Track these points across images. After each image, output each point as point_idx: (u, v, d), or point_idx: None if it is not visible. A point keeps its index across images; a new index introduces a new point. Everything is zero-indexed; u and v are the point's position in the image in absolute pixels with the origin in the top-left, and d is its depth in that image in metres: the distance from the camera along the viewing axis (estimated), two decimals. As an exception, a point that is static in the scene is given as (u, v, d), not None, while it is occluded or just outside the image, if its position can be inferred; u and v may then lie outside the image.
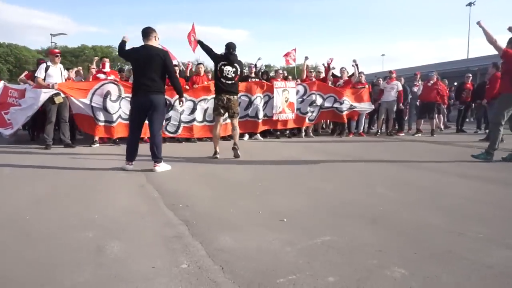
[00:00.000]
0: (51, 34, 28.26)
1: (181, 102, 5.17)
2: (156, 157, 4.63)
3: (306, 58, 9.85)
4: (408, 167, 5.10)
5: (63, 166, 5.08)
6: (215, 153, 5.76)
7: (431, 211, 2.93)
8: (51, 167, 4.98)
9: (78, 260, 2.00)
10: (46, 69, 6.83)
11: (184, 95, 7.82)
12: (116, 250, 2.14)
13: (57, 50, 7.07)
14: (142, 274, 1.84)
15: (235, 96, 5.84)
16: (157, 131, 4.70)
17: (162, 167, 4.65)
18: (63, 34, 29.19)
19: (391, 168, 5.05)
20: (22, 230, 2.49)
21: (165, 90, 4.80)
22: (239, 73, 5.77)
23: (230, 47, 5.68)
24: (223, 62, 5.60)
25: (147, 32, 4.64)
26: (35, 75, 7.03)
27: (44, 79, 6.80)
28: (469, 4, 38.02)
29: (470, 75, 11.33)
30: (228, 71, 5.61)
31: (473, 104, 11.03)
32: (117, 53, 5.31)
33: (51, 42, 28.80)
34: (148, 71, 4.53)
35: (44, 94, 6.77)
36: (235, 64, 5.67)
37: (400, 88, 9.76)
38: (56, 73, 6.92)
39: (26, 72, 9.13)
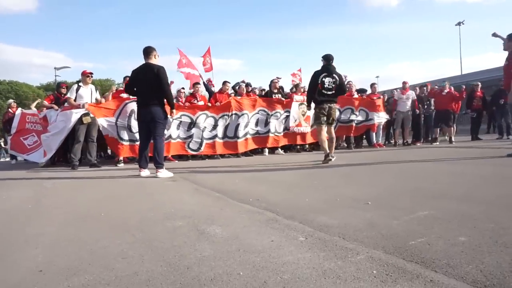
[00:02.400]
0: (55, 68, 28.64)
1: (171, 115, 5.45)
2: (158, 163, 4.92)
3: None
4: (453, 164, 5.09)
5: (102, 178, 5.06)
6: (327, 155, 5.82)
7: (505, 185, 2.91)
8: (92, 178, 4.96)
9: (187, 241, 1.93)
10: (77, 89, 6.88)
11: (206, 112, 7.97)
12: (220, 232, 2.08)
13: (88, 71, 7.12)
14: (265, 246, 1.79)
15: (335, 104, 6.04)
16: (158, 139, 5.02)
17: (164, 173, 4.88)
18: (67, 67, 29.62)
19: (435, 165, 5.04)
20: (107, 223, 2.43)
21: (164, 102, 5.07)
22: (338, 83, 5.87)
23: (329, 58, 5.88)
24: (324, 74, 5.77)
25: (148, 52, 5.04)
26: (67, 96, 7.06)
27: (75, 100, 6.83)
28: (458, 24, 39.17)
29: (479, 83, 11.51)
30: (329, 82, 5.77)
31: (493, 110, 11.14)
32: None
33: (55, 75, 29.14)
34: (147, 87, 4.94)
35: (75, 115, 6.77)
36: (334, 75, 5.82)
37: (415, 97, 9.90)
38: (86, 93, 6.95)
39: (45, 97, 9.18)
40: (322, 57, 5.97)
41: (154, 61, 5.07)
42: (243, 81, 9.45)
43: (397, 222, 2.10)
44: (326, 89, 5.78)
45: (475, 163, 5.03)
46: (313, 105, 6.05)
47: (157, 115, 4.94)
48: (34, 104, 10.07)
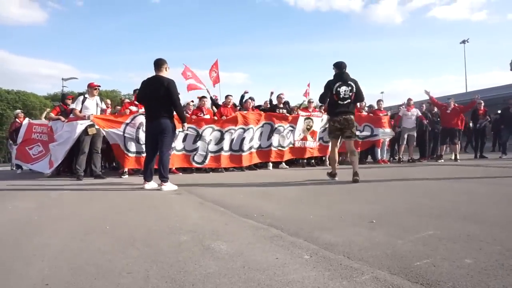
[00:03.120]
0: (62, 79, 29.03)
1: (183, 128, 5.56)
2: (163, 176, 4.93)
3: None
4: (458, 182, 5.07)
5: (107, 190, 5.09)
6: (334, 175, 5.64)
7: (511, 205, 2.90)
8: (97, 189, 4.99)
9: (192, 257, 1.94)
10: (83, 101, 6.98)
11: (212, 125, 8.02)
12: (225, 248, 2.08)
13: (96, 83, 7.23)
14: (270, 264, 1.79)
15: (352, 116, 5.52)
16: (165, 152, 5.03)
17: (168, 186, 4.91)
18: (74, 78, 30.01)
19: (440, 183, 5.02)
20: (112, 236, 2.44)
21: (173, 115, 5.10)
22: (355, 90, 5.43)
23: (342, 66, 5.47)
24: (338, 83, 5.36)
25: (159, 64, 5.07)
26: (72, 107, 7.16)
27: (81, 111, 6.92)
28: (463, 42, 39.47)
29: (482, 101, 11.54)
30: (345, 91, 5.36)
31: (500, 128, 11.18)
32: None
33: (63, 86, 29.49)
34: (156, 99, 4.94)
35: (80, 126, 6.87)
36: (349, 82, 5.39)
37: (419, 114, 9.93)
38: (92, 105, 7.05)
39: (53, 108, 9.28)
40: (334, 65, 5.55)
41: (164, 73, 5.09)
42: (246, 92, 9.61)
43: (402, 241, 2.09)
44: (342, 99, 5.35)
45: (481, 182, 5.01)
46: (325, 117, 5.89)
47: (166, 128, 4.95)
48: (44, 114, 10.20)
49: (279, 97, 9.33)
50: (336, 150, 5.72)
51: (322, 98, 5.66)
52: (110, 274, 1.71)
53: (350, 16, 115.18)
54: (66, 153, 7.12)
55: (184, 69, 9.90)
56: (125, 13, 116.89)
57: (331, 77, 5.54)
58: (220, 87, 10.00)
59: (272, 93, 9.60)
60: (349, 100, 5.41)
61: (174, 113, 5.12)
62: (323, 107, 9.58)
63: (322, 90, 5.54)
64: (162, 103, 4.95)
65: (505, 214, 2.78)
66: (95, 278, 1.66)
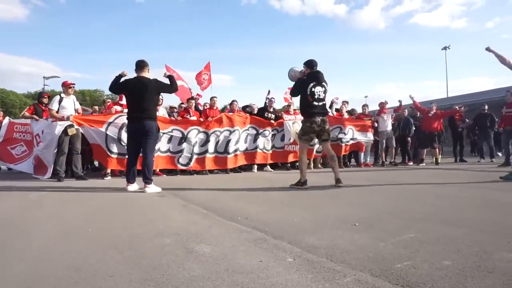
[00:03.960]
0: (44, 77, 28.38)
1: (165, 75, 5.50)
2: (147, 178, 4.90)
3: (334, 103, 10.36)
4: (439, 186, 5.18)
5: (89, 191, 5.00)
6: (305, 182, 5.14)
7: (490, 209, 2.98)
8: (78, 191, 4.91)
9: (176, 260, 1.93)
10: (60, 101, 6.84)
11: (198, 127, 7.98)
12: (209, 251, 2.08)
13: (70, 82, 7.10)
14: (254, 267, 1.80)
15: (327, 118, 5.35)
16: (149, 154, 5.00)
17: (152, 188, 4.88)
18: (56, 77, 29.44)
19: (421, 187, 5.12)
20: (94, 239, 2.40)
21: (156, 117, 5.18)
22: (327, 91, 5.28)
23: (315, 64, 5.22)
24: (313, 83, 5.11)
25: (141, 65, 5.04)
26: (49, 107, 7.02)
27: (58, 111, 6.78)
28: (444, 48, 40.33)
29: (461, 107, 11.85)
30: (319, 91, 5.14)
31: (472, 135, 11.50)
32: (108, 89, 5.33)
33: (44, 85, 28.82)
34: (142, 100, 4.91)
35: (59, 126, 6.74)
36: (323, 83, 5.21)
37: (393, 116, 10.21)
38: (69, 104, 6.93)
39: (27, 107, 9.04)
40: (305, 63, 5.27)
41: (146, 74, 5.08)
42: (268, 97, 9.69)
43: (384, 244, 2.13)
44: (317, 99, 5.12)
45: (461, 186, 5.13)
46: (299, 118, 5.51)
47: (151, 129, 4.94)
48: (22, 114, 9.93)
49: (270, 101, 9.38)
50: (305, 152, 5.52)
51: (293, 92, 5.51)
52: (92, 277, 1.69)
53: (334, 21, 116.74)
54: (55, 154, 6.94)
55: (165, 69, 9.76)
56: (108, 12, 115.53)
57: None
58: (212, 89, 9.97)
59: (269, 91, 9.69)
60: (324, 102, 5.27)
61: (157, 114, 5.09)
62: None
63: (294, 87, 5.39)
64: (148, 105, 4.93)
65: (484, 218, 2.86)
66: (76, 282, 1.63)
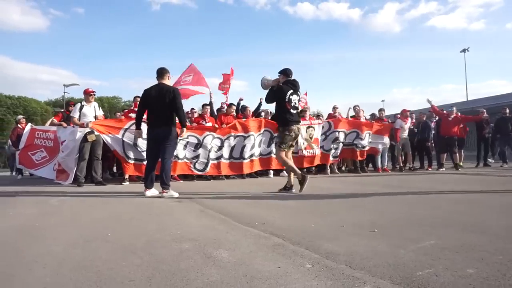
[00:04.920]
0: (64, 85, 29.13)
1: (181, 135, 5.39)
2: (164, 183, 4.99)
3: (350, 108, 10.43)
4: (459, 191, 5.06)
5: (107, 196, 5.10)
6: (291, 186, 5.33)
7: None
8: (97, 196, 5.00)
9: (194, 265, 1.94)
10: (80, 108, 7.04)
11: (213, 133, 8.04)
12: (227, 256, 2.08)
13: (91, 89, 7.30)
14: (272, 273, 1.79)
15: (299, 125, 5.52)
16: (167, 160, 5.09)
17: (170, 193, 4.96)
18: (75, 84, 30.10)
19: (441, 192, 5.01)
20: (114, 244, 2.44)
21: (175, 123, 5.17)
22: (301, 99, 5.42)
23: (290, 72, 5.32)
24: (291, 91, 5.20)
25: (162, 73, 5.17)
26: (71, 115, 7.22)
27: (79, 119, 6.96)
28: (464, 50, 39.59)
29: (484, 110, 11.56)
30: (296, 100, 5.26)
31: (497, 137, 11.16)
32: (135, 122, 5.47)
33: (64, 92, 29.62)
34: (160, 107, 5.00)
35: (80, 133, 6.92)
36: (299, 92, 5.38)
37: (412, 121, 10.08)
38: (90, 112, 7.12)
39: (55, 114, 9.30)
40: (281, 72, 5.34)
41: (167, 82, 5.20)
42: (241, 100, 9.82)
43: (404, 251, 2.09)
44: (293, 107, 5.21)
45: (482, 192, 5.01)
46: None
47: (170, 135, 5.03)
48: (48, 122, 10.20)
49: None
50: (290, 156, 5.62)
51: (269, 99, 5.37)
52: (112, 282, 1.72)
53: (349, 25, 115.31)
54: (76, 160, 7.10)
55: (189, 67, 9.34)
56: (125, 20, 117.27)
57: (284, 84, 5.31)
58: (228, 97, 9.88)
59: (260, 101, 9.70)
60: (298, 110, 5.38)
61: (176, 121, 5.16)
62: (320, 115, 9.64)
63: (270, 92, 5.34)
64: (166, 111, 5.01)
65: (507, 225, 2.78)
66: (97, 286, 1.66)
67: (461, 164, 10.12)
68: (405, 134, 9.99)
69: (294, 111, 5.26)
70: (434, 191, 5.21)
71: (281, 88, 5.23)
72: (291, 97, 5.18)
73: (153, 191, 5.11)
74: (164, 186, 4.97)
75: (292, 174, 5.38)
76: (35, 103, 46.98)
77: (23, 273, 1.88)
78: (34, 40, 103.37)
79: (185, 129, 5.35)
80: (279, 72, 5.40)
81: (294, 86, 5.29)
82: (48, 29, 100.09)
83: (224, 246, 2.32)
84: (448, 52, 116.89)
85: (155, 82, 5.21)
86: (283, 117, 5.28)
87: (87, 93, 7.31)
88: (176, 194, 4.99)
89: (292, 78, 5.34)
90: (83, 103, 7.20)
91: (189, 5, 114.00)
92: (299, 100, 5.34)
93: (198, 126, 8.12)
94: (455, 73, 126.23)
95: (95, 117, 7.22)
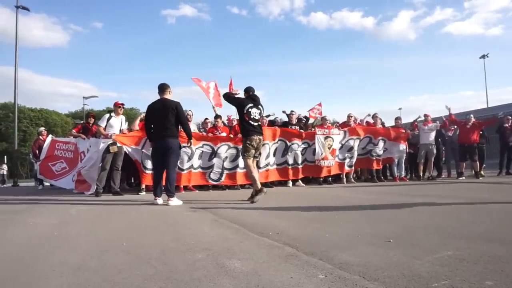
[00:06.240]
0: (83, 97, 29.93)
1: (189, 144, 5.88)
2: (169, 192, 5.27)
3: (369, 115, 10.38)
4: (478, 200, 4.93)
5: (124, 206, 5.18)
6: (261, 189, 5.45)
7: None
8: (115, 206, 5.08)
9: (207, 275, 1.95)
10: (108, 119, 7.19)
11: (228, 143, 8.10)
12: (240, 266, 2.09)
13: (120, 102, 7.46)
14: (284, 283, 1.78)
15: (262, 137, 5.88)
16: (171, 169, 5.39)
17: (175, 201, 5.22)
18: (94, 96, 30.93)
19: (459, 202, 4.89)
20: (129, 253, 2.47)
21: (179, 135, 5.53)
22: (262, 114, 5.95)
23: (251, 90, 5.85)
24: (250, 105, 5.63)
25: (163, 88, 5.51)
26: (97, 123, 7.39)
27: (105, 128, 7.12)
28: (483, 56, 38.86)
29: (510, 117, 11.21)
30: (255, 113, 5.65)
31: None
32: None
33: (84, 104, 30.38)
34: (164, 120, 5.32)
35: (103, 144, 7.06)
36: (259, 106, 5.76)
37: (438, 126, 9.84)
38: (117, 123, 7.27)
39: (75, 126, 9.55)
40: (244, 90, 5.89)
41: (168, 96, 5.52)
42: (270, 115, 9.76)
43: (420, 262, 2.05)
44: (253, 119, 5.60)
45: (502, 201, 4.86)
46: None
47: (173, 146, 5.32)
48: (70, 132, 10.49)
49: (290, 115, 9.36)
50: (255, 165, 5.91)
51: (230, 99, 5.85)
52: (126, 291, 1.74)
53: (363, 34, 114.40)
54: (99, 170, 7.25)
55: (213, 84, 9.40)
56: (142, 34, 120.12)
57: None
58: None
59: (284, 112, 9.72)
60: (259, 123, 5.77)
61: (182, 133, 5.56)
62: (337, 126, 9.55)
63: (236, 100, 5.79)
64: (169, 124, 5.33)
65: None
66: (111, 295, 1.69)
67: (482, 172, 9.85)
68: (428, 139, 9.72)
69: (255, 123, 5.65)
70: (453, 200, 5.08)
71: (242, 101, 5.73)
72: (250, 109, 5.61)
73: (162, 199, 5.39)
74: (170, 194, 5.25)
75: (256, 179, 5.60)
76: (55, 115, 48.35)
77: (40, 282, 1.92)
78: (56, 55, 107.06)
79: (192, 140, 5.67)
80: (243, 90, 5.93)
81: (254, 100, 5.74)
82: (69, 43, 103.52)
83: (237, 256, 2.32)
84: (466, 58, 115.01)
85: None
86: (244, 128, 5.71)
87: (116, 106, 7.46)
88: (180, 202, 5.25)
89: (253, 94, 5.82)
90: (112, 114, 7.36)
91: (204, 17, 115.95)
92: (260, 113, 5.76)
93: (213, 136, 8.17)
94: (474, 79, 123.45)
95: (121, 131, 7.36)
